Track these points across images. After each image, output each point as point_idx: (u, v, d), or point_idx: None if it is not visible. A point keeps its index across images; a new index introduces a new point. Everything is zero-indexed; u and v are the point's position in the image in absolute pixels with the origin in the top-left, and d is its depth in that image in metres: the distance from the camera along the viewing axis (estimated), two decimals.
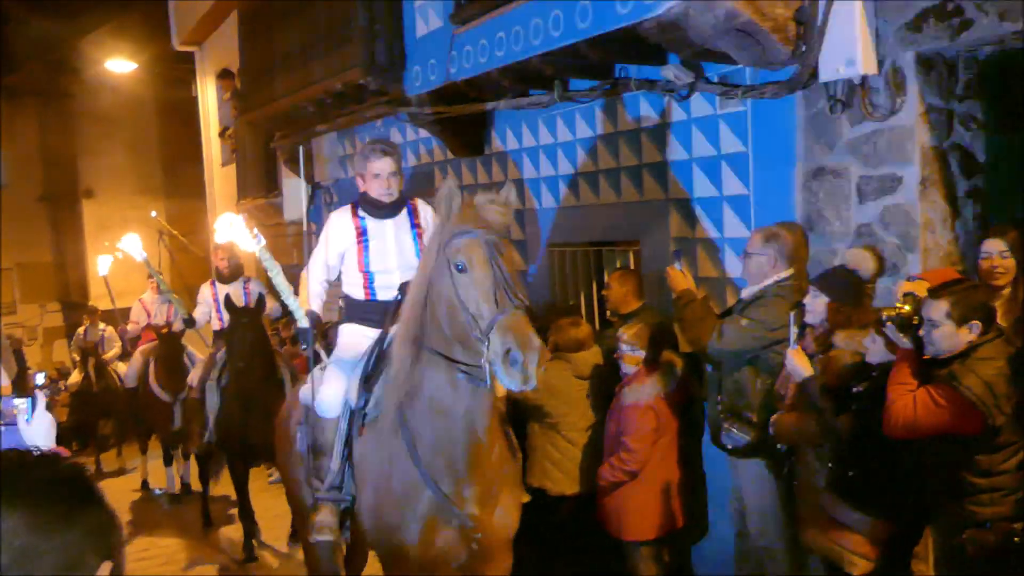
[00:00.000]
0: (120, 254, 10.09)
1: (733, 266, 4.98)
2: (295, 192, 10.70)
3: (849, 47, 4.13)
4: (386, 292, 4.20)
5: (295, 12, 8.34)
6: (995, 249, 3.75)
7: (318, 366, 4.37)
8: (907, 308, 3.37)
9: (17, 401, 2.65)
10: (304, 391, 4.34)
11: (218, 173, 14.39)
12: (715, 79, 4.96)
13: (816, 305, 4.02)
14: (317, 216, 10.25)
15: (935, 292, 3.37)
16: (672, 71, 4.99)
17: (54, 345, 20.00)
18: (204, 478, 7.98)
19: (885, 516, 3.61)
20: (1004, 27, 3.68)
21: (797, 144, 4.61)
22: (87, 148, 20.00)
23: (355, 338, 4.24)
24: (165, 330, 8.89)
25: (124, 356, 11.31)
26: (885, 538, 3.62)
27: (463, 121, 6.87)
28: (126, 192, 19.45)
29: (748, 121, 4.85)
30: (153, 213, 11.83)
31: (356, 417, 3.99)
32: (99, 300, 19.45)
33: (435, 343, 3.45)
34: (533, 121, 6.47)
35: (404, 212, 4.28)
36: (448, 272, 3.26)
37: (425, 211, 4.31)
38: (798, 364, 3.83)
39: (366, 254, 4.20)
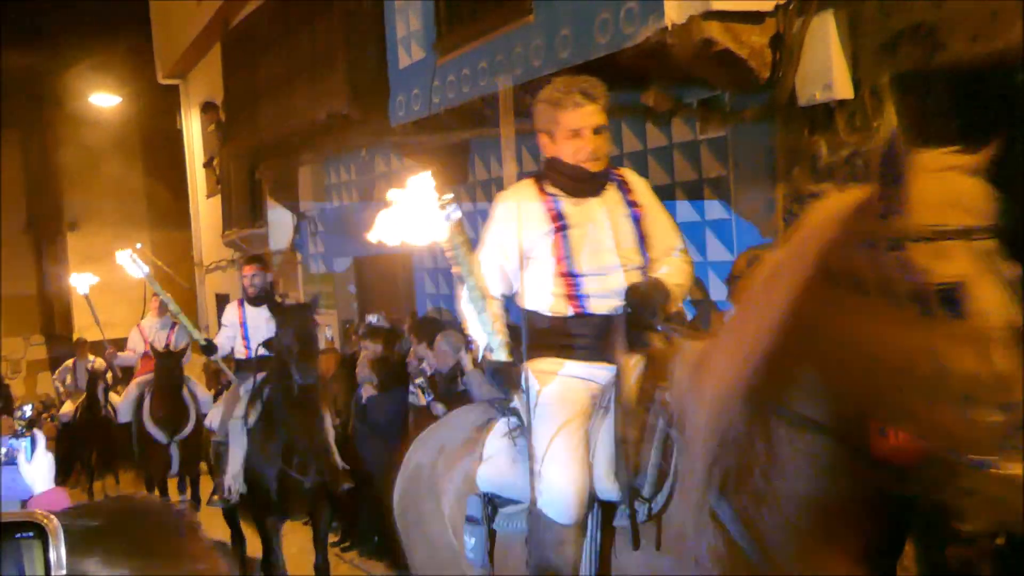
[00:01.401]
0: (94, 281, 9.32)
1: (717, 289, 5.01)
2: (281, 222, 10.73)
3: (825, 72, 4.20)
4: (603, 303, 2.79)
5: (278, 43, 8.40)
6: None
7: (493, 432, 2.97)
8: None
9: (16, 441, 2.64)
10: (486, 472, 2.91)
11: (203, 204, 14.40)
12: (695, 104, 5.02)
13: None
14: (302, 246, 10.27)
15: None
16: (653, 97, 5.05)
17: (38, 377, 19.85)
18: (237, 535, 6.61)
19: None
20: (976, 48, 3.75)
21: (777, 167, 4.66)
22: (72, 180, 19.98)
23: (568, 382, 2.78)
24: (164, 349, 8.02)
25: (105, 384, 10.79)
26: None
27: (447, 149, 6.92)
28: (111, 224, 19.37)
29: (729, 145, 4.91)
30: (139, 244, 11.81)
31: (617, 516, 2.57)
32: (84, 331, 19.25)
33: (810, 408, 2.17)
34: (516, 148, 6.51)
35: (613, 186, 2.91)
36: (903, 303, 1.85)
37: (639, 184, 2.99)
38: None
39: (567, 249, 2.80)
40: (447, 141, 6.65)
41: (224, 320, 6.61)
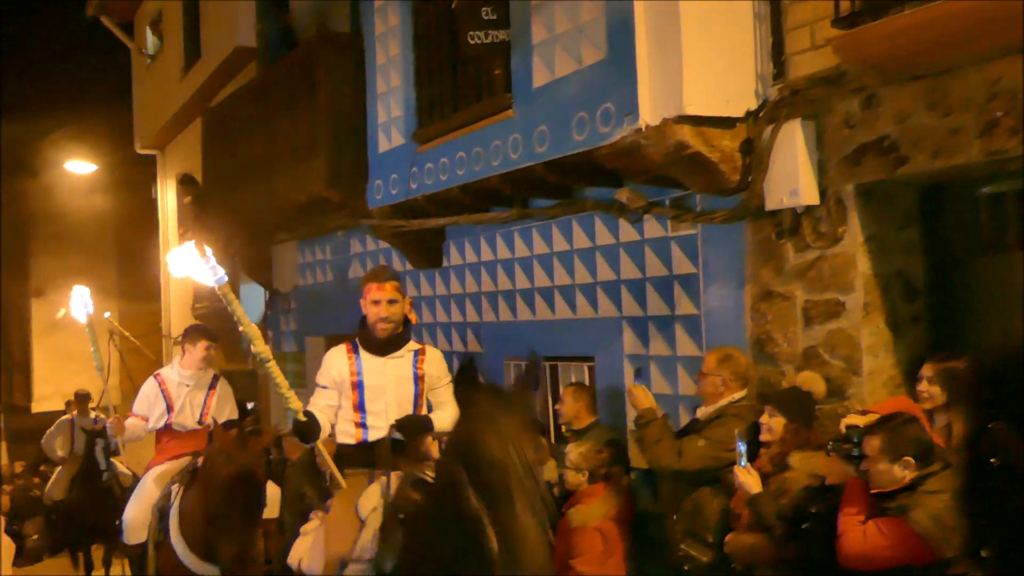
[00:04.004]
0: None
1: (685, 384, 5.06)
2: (252, 297, 10.70)
3: (792, 178, 4.34)
4: None
5: (259, 124, 8.51)
6: (924, 375, 3.86)
7: None
8: (850, 442, 3.44)
9: None
10: None
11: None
12: (667, 202, 5.15)
13: (773, 425, 4.10)
14: (274, 323, 10.24)
15: (871, 428, 3.44)
16: (626, 194, 5.18)
17: None
18: None
19: None
20: (937, 164, 3.91)
21: (746, 267, 4.77)
22: (41, 247, 19.84)
23: None
24: (233, 431, 4.66)
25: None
26: None
27: (423, 234, 7.01)
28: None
29: (699, 244, 5.02)
30: (107, 314, 11.67)
31: None
32: (42, 402, 18.84)
33: None
34: (491, 236, 6.62)
35: None
36: None
37: None
38: (745, 482, 3.89)
39: None
40: (423, 226, 6.74)
41: (323, 377, 4.19)
